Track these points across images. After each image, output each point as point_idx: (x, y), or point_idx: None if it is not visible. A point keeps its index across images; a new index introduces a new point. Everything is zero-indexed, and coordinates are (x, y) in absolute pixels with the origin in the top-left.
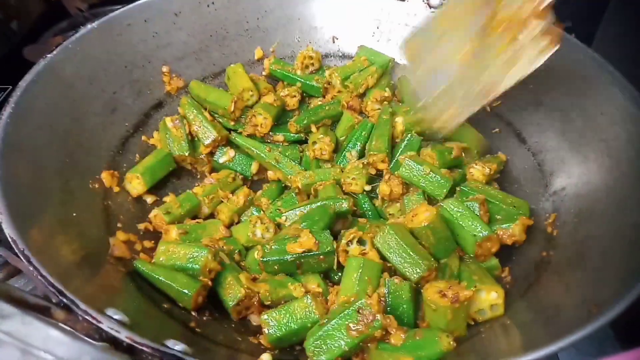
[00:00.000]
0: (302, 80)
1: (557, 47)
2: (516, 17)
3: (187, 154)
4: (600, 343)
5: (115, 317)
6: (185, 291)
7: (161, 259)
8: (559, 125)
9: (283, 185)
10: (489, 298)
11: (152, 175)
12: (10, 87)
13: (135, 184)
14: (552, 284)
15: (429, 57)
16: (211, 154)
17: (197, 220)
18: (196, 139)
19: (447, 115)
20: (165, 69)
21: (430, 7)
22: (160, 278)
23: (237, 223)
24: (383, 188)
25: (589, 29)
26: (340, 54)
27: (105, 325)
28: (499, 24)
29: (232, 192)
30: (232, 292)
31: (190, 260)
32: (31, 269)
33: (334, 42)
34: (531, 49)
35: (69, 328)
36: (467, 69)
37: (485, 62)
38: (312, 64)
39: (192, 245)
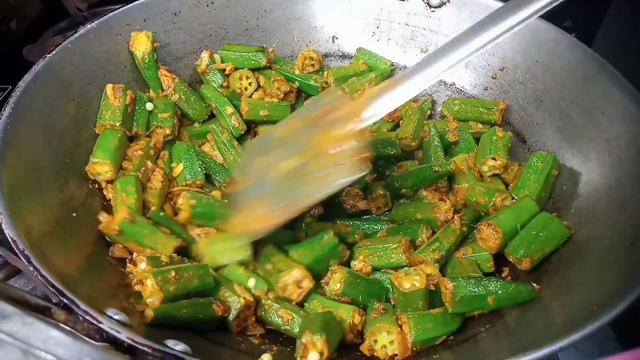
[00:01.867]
0: (300, 80)
1: (367, 171)
2: (339, 137)
3: (118, 124)
4: (600, 343)
5: (116, 317)
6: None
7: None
8: (559, 125)
9: None
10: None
11: (119, 157)
12: (10, 87)
13: (103, 170)
14: (552, 284)
15: (259, 161)
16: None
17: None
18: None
19: (257, 222)
20: (164, 68)
21: (430, 7)
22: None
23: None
24: None
25: (590, 29)
26: (340, 54)
27: (106, 325)
28: (325, 142)
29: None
30: (230, 303)
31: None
32: (31, 269)
33: (333, 41)
34: (343, 168)
35: (69, 328)
36: (285, 181)
37: (302, 176)
38: (313, 65)
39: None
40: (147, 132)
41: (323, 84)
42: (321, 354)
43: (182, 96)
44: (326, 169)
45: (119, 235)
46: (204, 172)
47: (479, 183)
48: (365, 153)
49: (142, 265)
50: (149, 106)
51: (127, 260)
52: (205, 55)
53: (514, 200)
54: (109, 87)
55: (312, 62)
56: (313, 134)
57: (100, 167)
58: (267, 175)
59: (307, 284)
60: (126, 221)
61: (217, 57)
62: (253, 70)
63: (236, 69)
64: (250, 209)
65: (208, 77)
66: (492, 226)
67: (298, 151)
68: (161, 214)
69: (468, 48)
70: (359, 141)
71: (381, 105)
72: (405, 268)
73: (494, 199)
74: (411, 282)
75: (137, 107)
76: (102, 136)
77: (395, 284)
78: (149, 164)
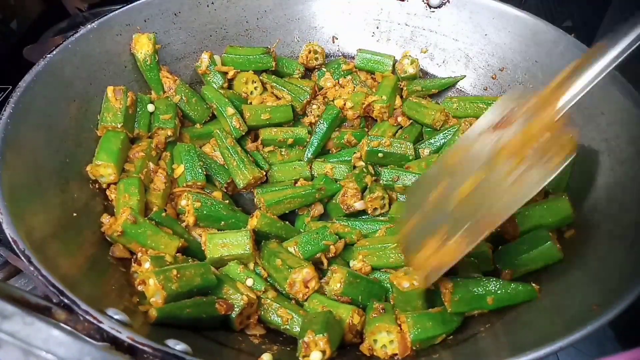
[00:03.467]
0: (292, 84)
1: (573, 155)
2: (526, 136)
3: (119, 126)
4: (600, 343)
5: (116, 317)
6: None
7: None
8: None
9: None
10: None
11: (121, 159)
12: (10, 87)
13: (106, 172)
14: (552, 283)
15: (425, 204)
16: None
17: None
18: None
19: (442, 255)
20: (165, 70)
21: (430, 7)
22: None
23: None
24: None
25: (590, 29)
26: (340, 54)
27: (106, 325)
28: (507, 149)
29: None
30: (233, 301)
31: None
32: (32, 268)
33: (333, 42)
34: (541, 164)
35: (70, 328)
36: (466, 203)
37: (487, 191)
38: (317, 58)
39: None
40: (149, 134)
41: (315, 87)
42: (323, 352)
43: (183, 97)
44: (519, 173)
45: (122, 236)
46: (205, 173)
47: None
48: (567, 136)
49: (146, 265)
50: (150, 108)
51: (132, 260)
52: (205, 57)
53: (552, 194)
54: (109, 89)
55: (315, 56)
56: (499, 142)
57: (104, 169)
58: (446, 203)
59: (314, 284)
60: (129, 222)
61: (217, 58)
62: (257, 71)
63: (240, 71)
64: (431, 243)
65: (208, 78)
66: (514, 221)
67: (481, 165)
68: (163, 214)
69: None
70: (553, 132)
71: (578, 88)
72: (405, 267)
73: None
74: (410, 281)
75: (138, 109)
76: (104, 138)
77: (394, 283)
78: (151, 165)
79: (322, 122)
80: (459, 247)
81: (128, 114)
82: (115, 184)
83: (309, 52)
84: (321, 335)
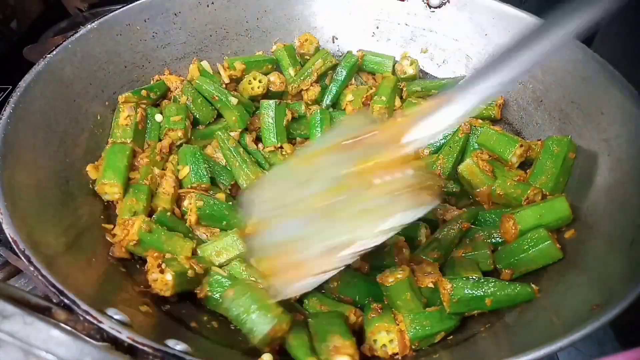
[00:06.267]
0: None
1: (435, 203)
2: (382, 164)
3: (129, 141)
4: (600, 343)
5: (116, 317)
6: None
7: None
8: (558, 125)
9: None
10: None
11: (127, 176)
12: (10, 87)
13: (112, 191)
14: (552, 283)
15: (281, 198)
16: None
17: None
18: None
19: (290, 275)
20: (164, 69)
21: (430, 7)
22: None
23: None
24: None
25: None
26: (340, 54)
27: (106, 325)
28: (364, 171)
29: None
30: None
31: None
32: (32, 269)
33: (333, 42)
34: (403, 198)
35: (70, 328)
36: (323, 218)
37: (343, 210)
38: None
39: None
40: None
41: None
42: (352, 357)
43: (189, 98)
44: (376, 200)
45: (138, 245)
46: (209, 175)
47: (498, 182)
48: (427, 181)
49: (168, 277)
50: (158, 118)
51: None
52: (193, 67)
53: (549, 196)
54: (121, 106)
55: (311, 45)
56: (346, 163)
57: (110, 188)
58: (295, 214)
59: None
60: (143, 230)
61: (205, 64)
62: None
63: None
64: (280, 256)
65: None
66: (513, 220)
67: (330, 184)
68: (167, 214)
69: (527, 60)
70: (413, 169)
71: (424, 129)
72: (392, 267)
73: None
74: (394, 276)
75: (148, 122)
76: (110, 152)
77: (381, 282)
78: (156, 170)
79: (341, 69)
80: (317, 266)
81: (137, 130)
82: None
83: (305, 40)
84: (348, 340)
